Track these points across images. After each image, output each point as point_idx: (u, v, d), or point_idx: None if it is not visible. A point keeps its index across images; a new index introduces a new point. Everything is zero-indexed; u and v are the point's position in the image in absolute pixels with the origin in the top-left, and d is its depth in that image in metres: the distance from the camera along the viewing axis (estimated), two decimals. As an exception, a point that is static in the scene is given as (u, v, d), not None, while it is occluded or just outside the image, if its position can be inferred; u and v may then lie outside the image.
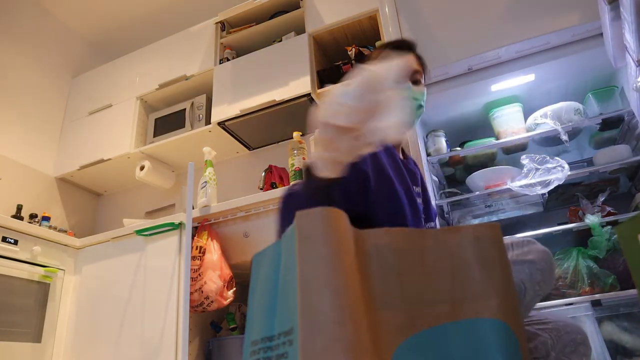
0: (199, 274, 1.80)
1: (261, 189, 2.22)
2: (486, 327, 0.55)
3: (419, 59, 1.09)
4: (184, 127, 2.62)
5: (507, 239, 0.83)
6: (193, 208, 1.97)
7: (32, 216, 2.49)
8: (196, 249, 1.86)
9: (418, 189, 1.07)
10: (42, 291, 2.02)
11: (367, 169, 0.87)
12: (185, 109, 2.66)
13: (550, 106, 1.96)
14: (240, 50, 2.68)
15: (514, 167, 1.98)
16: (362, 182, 0.85)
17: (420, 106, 1.06)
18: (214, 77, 2.57)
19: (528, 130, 2.02)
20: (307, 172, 0.66)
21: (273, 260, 0.59)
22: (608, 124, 1.91)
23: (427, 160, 2.06)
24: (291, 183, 0.67)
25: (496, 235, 0.60)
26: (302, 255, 0.50)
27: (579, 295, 1.63)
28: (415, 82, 1.05)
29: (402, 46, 1.11)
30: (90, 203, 3.09)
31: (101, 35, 3.31)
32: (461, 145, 2.16)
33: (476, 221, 2.15)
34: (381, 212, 0.88)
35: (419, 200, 1.04)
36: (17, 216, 2.39)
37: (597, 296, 1.59)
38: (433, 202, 1.39)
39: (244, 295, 1.99)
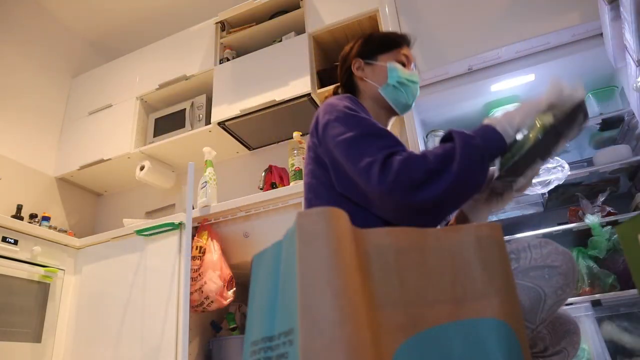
0: (199, 274, 1.79)
1: (261, 189, 2.22)
2: (487, 327, 0.55)
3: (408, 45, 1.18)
4: (184, 127, 2.62)
5: (524, 240, 0.77)
6: (193, 208, 1.97)
7: (32, 216, 2.49)
8: (196, 249, 1.86)
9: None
10: (42, 291, 2.02)
11: None
12: (185, 109, 2.66)
13: (550, 106, 1.96)
14: (240, 50, 2.68)
15: (514, 167, 1.97)
16: None
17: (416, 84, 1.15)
18: (214, 77, 2.57)
19: (528, 130, 2.02)
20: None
21: (273, 260, 0.59)
22: (608, 124, 1.91)
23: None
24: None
25: (497, 235, 0.60)
26: (303, 255, 0.50)
27: (579, 295, 1.63)
28: (404, 66, 1.14)
29: (390, 43, 1.15)
30: (90, 203, 3.09)
31: (101, 35, 3.31)
32: (461, 145, 2.15)
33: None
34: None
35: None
36: (17, 216, 2.39)
37: (597, 296, 1.59)
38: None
39: (244, 295, 1.99)
